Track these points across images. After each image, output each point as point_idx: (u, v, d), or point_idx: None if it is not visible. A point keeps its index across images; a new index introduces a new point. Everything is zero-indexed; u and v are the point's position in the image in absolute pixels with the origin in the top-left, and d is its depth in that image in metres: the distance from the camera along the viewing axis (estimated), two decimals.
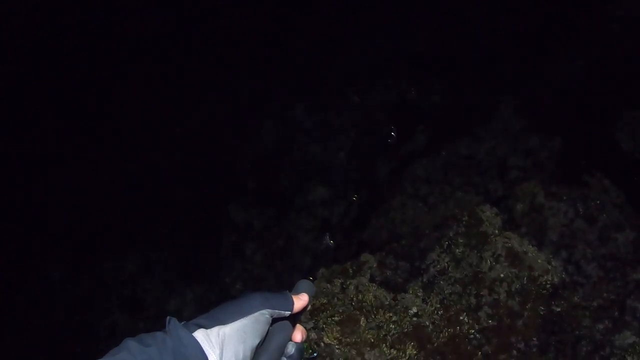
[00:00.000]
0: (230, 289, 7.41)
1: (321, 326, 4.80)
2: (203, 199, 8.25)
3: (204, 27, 9.14)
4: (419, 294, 5.21)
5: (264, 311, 1.49)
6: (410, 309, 5.06)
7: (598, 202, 5.53)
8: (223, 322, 1.43)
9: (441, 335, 4.90)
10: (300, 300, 1.61)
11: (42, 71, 8.92)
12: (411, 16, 8.35)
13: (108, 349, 1.30)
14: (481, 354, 4.81)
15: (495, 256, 5.11)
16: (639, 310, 4.95)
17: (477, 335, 4.87)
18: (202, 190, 8.32)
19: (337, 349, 4.74)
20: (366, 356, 4.76)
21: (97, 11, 9.02)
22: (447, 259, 5.30)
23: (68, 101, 8.79)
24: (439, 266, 5.31)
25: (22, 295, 8.14)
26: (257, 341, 1.46)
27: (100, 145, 8.78)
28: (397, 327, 4.95)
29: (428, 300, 5.12)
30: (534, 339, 4.85)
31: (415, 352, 4.82)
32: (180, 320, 1.43)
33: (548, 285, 5.01)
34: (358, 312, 5.02)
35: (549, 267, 5.09)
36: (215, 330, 1.41)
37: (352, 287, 5.21)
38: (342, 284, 5.27)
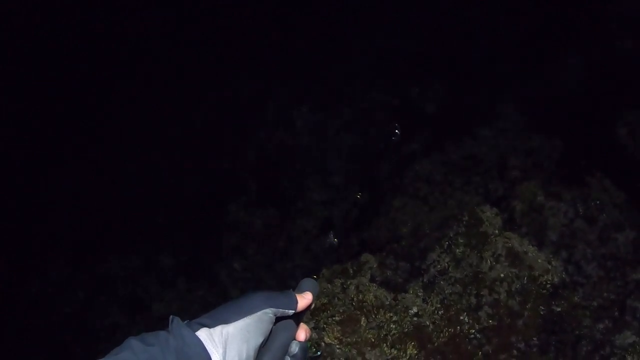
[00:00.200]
0: (231, 290, 7.41)
1: (322, 326, 4.81)
2: (203, 199, 8.25)
3: (204, 27, 9.13)
4: (420, 293, 5.21)
5: (267, 310, 1.48)
6: (411, 309, 5.07)
7: (598, 202, 5.54)
8: (226, 321, 1.42)
9: (442, 335, 4.90)
10: (304, 299, 1.61)
11: (42, 71, 8.91)
12: (411, 16, 8.35)
13: (108, 349, 1.30)
14: (481, 353, 4.82)
15: (495, 256, 5.11)
16: (639, 310, 4.96)
17: (478, 335, 4.88)
18: (202, 191, 8.32)
19: (338, 348, 4.75)
20: (367, 356, 4.76)
21: (97, 11, 9.01)
22: (447, 259, 5.30)
23: (68, 101, 8.78)
24: (439, 266, 5.32)
25: (22, 295, 8.13)
26: (260, 340, 1.46)
27: (100, 145, 8.77)
28: (398, 327, 4.95)
29: (428, 300, 5.12)
30: (534, 338, 4.86)
31: (415, 351, 4.83)
32: (182, 319, 1.43)
33: (548, 285, 5.02)
34: (359, 312, 5.02)
35: (549, 267, 5.09)
36: (218, 329, 1.40)
37: (352, 287, 5.21)
38: (342, 284, 5.27)
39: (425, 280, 5.33)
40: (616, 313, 5.00)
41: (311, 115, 8.45)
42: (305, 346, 1.60)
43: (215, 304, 1.48)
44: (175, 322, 1.40)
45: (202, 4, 9.13)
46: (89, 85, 8.87)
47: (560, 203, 5.58)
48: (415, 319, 5.01)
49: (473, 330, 4.89)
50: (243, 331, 1.41)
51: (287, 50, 8.90)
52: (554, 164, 6.56)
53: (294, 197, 7.91)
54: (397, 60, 8.36)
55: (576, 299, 5.04)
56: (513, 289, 4.99)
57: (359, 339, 4.85)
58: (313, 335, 4.62)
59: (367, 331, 4.91)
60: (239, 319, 1.43)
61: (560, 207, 5.55)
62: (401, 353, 4.81)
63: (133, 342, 1.33)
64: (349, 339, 4.84)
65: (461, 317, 4.95)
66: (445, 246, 5.40)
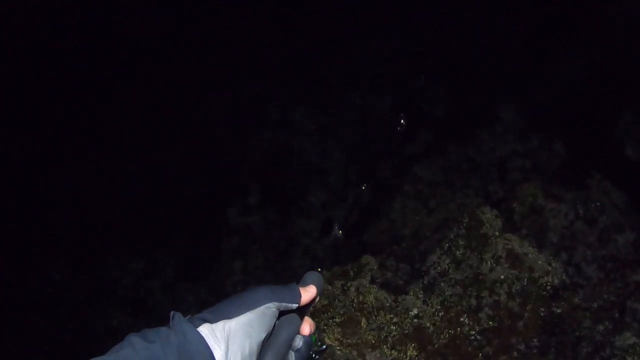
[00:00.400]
0: (231, 291, 7.40)
1: (322, 327, 4.81)
2: (203, 200, 8.25)
3: (204, 27, 9.12)
4: (420, 295, 5.22)
5: (270, 304, 1.45)
6: (411, 311, 5.08)
7: (598, 203, 5.55)
8: (228, 316, 1.39)
9: (442, 336, 4.91)
10: (308, 293, 1.58)
11: (42, 71, 8.90)
12: (411, 16, 8.34)
13: (108, 349, 1.28)
14: (482, 355, 4.83)
15: (495, 258, 5.12)
16: (639, 312, 4.97)
17: (478, 336, 4.89)
18: (202, 191, 8.31)
19: (338, 350, 4.76)
20: (367, 357, 4.77)
21: (97, 11, 9.00)
22: (447, 261, 5.31)
23: (68, 101, 8.77)
24: (439, 268, 5.33)
25: (22, 295, 8.13)
26: (263, 335, 1.43)
27: (100, 145, 8.77)
28: (398, 329, 4.96)
29: (429, 302, 5.13)
30: (535, 340, 4.86)
31: (416, 353, 4.84)
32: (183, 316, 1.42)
33: (548, 287, 5.03)
34: (359, 314, 5.03)
35: (550, 268, 5.10)
36: (220, 324, 1.37)
37: (353, 288, 5.22)
38: (343, 285, 5.28)
39: (425, 281, 5.34)
40: (616, 314, 5.00)
41: (311, 116, 8.45)
42: (310, 340, 1.57)
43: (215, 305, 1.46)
44: (177, 317, 1.37)
45: (202, 4, 9.12)
46: (89, 85, 8.86)
47: (561, 205, 5.59)
48: (415, 320, 5.02)
49: (473, 332, 4.90)
50: (246, 326, 1.39)
51: (287, 50, 8.89)
52: (554, 166, 6.57)
53: (294, 198, 7.91)
54: (397, 60, 8.36)
55: (576, 300, 5.05)
56: (513, 291, 5.00)
57: (360, 341, 4.86)
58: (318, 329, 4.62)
59: (368, 332, 4.92)
60: (242, 314, 1.40)
61: (561, 208, 5.56)
62: (401, 354, 4.82)
63: (133, 339, 1.30)
64: (349, 341, 4.84)
65: (461, 319, 4.96)
66: (446, 248, 5.41)
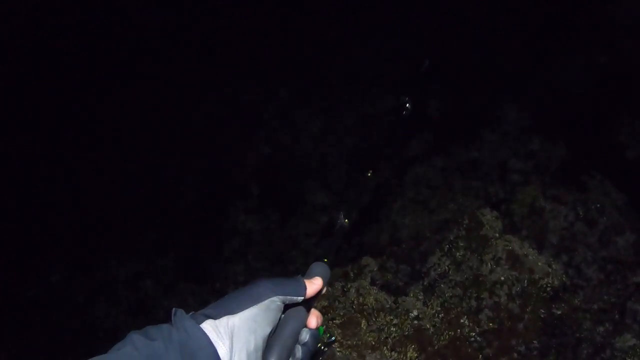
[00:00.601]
0: (231, 292, 7.38)
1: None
2: (203, 201, 8.25)
3: (204, 27, 9.12)
4: (420, 297, 5.22)
5: (274, 298, 1.44)
6: (411, 312, 5.08)
7: (598, 204, 5.54)
8: (232, 311, 1.38)
9: (442, 338, 4.91)
10: (314, 285, 1.56)
11: (42, 71, 8.90)
12: (411, 16, 8.33)
13: (109, 349, 1.28)
14: (482, 356, 4.83)
15: (495, 259, 5.12)
16: (639, 313, 4.96)
17: (478, 338, 4.88)
18: (202, 192, 8.31)
19: (338, 351, 4.76)
20: (367, 358, 4.77)
21: (97, 11, 8.99)
22: (447, 262, 5.31)
23: (68, 101, 8.77)
24: (439, 269, 5.32)
25: (22, 296, 8.13)
26: (268, 330, 1.42)
27: (100, 145, 8.77)
28: (398, 330, 4.96)
29: (429, 303, 5.13)
30: (535, 341, 4.86)
31: (416, 354, 4.83)
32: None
33: (548, 288, 5.02)
34: (359, 315, 5.03)
35: (550, 270, 5.10)
36: (224, 320, 1.36)
37: (353, 290, 5.22)
38: (343, 287, 5.28)
39: (425, 283, 5.33)
40: (616, 316, 5.00)
41: (311, 117, 8.45)
42: (316, 334, 1.56)
43: None
44: (179, 314, 1.37)
45: (202, 4, 9.12)
46: (89, 85, 8.85)
47: (561, 206, 5.59)
48: (415, 322, 5.02)
49: (473, 333, 4.90)
50: (250, 321, 1.38)
51: (287, 50, 8.89)
52: (554, 167, 6.56)
53: (294, 199, 7.91)
54: (397, 60, 8.35)
55: (576, 301, 5.04)
56: (513, 292, 4.99)
57: (360, 342, 4.86)
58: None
59: (368, 334, 4.92)
60: (246, 309, 1.39)
61: (561, 210, 5.55)
62: (401, 356, 4.82)
63: (135, 337, 1.30)
64: (349, 342, 4.84)
65: (461, 320, 4.96)
66: (446, 249, 5.41)
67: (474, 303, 5.00)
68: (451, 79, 7.93)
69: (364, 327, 4.93)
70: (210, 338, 1.32)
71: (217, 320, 1.36)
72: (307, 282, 1.55)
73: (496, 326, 4.89)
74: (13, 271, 8.25)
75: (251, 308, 1.39)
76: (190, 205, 8.24)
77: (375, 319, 5.01)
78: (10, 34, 8.85)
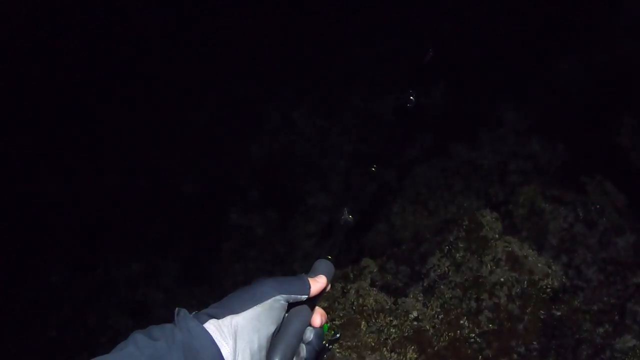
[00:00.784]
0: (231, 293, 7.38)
1: None
2: (203, 201, 8.25)
3: (204, 27, 9.12)
4: (420, 298, 5.21)
5: (278, 297, 1.43)
6: (411, 313, 5.07)
7: (598, 206, 5.53)
8: (235, 311, 1.37)
9: (442, 339, 4.90)
10: (318, 283, 1.55)
11: (42, 71, 8.90)
12: (411, 16, 8.33)
13: (108, 351, 1.26)
14: (482, 357, 4.82)
15: (495, 260, 5.11)
16: (639, 314, 4.96)
17: (478, 339, 4.88)
18: (202, 192, 8.31)
19: (338, 352, 4.75)
20: None
21: (97, 11, 8.99)
22: (447, 263, 5.30)
23: (68, 101, 8.77)
24: (439, 270, 5.31)
25: (22, 296, 8.13)
26: (272, 329, 1.41)
27: (100, 145, 8.77)
28: (398, 331, 4.95)
29: (428, 304, 5.12)
30: (535, 342, 4.85)
31: (415, 355, 4.83)
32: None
33: (548, 289, 5.01)
34: (359, 316, 5.02)
35: (549, 271, 5.09)
36: (227, 320, 1.35)
37: (352, 291, 5.22)
38: (342, 288, 5.28)
39: (425, 284, 5.32)
40: (616, 317, 4.99)
41: (311, 117, 8.45)
42: (321, 332, 1.55)
43: None
44: (182, 314, 1.36)
45: (202, 4, 9.12)
46: (89, 85, 8.86)
47: (561, 207, 5.58)
48: (415, 323, 5.01)
49: (473, 335, 4.89)
50: (253, 321, 1.36)
51: (287, 50, 8.89)
52: (554, 168, 6.56)
53: (294, 200, 7.90)
54: (397, 60, 8.35)
55: (576, 303, 5.03)
56: (513, 293, 4.99)
57: (359, 343, 4.85)
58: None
59: (367, 335, 4.91)
60: (249, 308, 1.38)
61: (561, 211, 5.54)
62: (401, 357, 4.81)
63: (138, 337, 1.29)
64: (349, 343, 4.84)
65: (461, 321, 4.95)
66: (446, 250, 5.39)
67: (473, 304, 4.99)
68: (451, 79, 7.93)
69: (364, 328, 4.93)
70: (214, 338, 1.32)
71: (220, 320, 1.35)
72: (311, 281, 1.55)
73: (496, 327, 4.88)
74: (13, 271, 8.24)
75: (255, 307, 1.39)
76: (190, 205, 8.24)
77: (375, 320, 5.00)
78: (10, 34, 8.85)
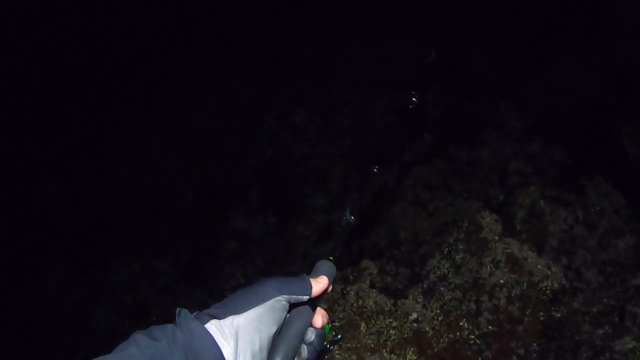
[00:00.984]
0: (230, 294, 7.37)
1: None
2: (203, 202, 8.25)
3: (204, 27, 9.12)
4: (419, 299, 5.22)
5: (279, 297, 1.42)
6: (411, 315, 5.08)
7: (598, 207, 5.54)
8: (237, 311, 1.36)
9: (441, 340, 4.91)
10: (319, 284, 1.54)
11: (42, 71, 8.89)
12: (411, 16, 8.32)
13: (108, 352, 1.26)
14: (481, 359, 4.83)
15: (495, 262, 5.12)
16: (638, 316, 4.96)
17: (477, 340, 4.88)
18: (202, 193, 8.32)
19: (338, 354, 4.76)
20: None
21: (97, 11, 8.98)
22: (447, 265, 5.31)
23: (68, 101, 8.76)
24: (439, 272, 5.32)
25: (22, 296, 8.13)
26: (273, 330, 1.41)
27: (100, 145, 8.77)
28: (398, 333, 4.96)
29: (428, 306, 5.13)
30: (534, 344, 4.86)
31: (415, 357, 4.84)
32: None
33: (548, 291, 5.02)
34: (358, 318, 5.03)
35: (549, 272, 5.10)
36: (228, 320, 1.35)
37: (352, 292, 5.22)
38: (342, 289, 5.28)
39: (425, 286, 5.33)
40: (616, 319, 5.00)
41: (311, 118, 8.44)
42: (322, 333, 1.54)
43: None
44: (183, 314, 1.36)
45: (202, 4, 9.11)
46: (89, 86, 8.85)
47: (560, 209, 5.59)
48: (415, 324, 5.02)
49: (473, 336, 4.90)
50: (255, 321, 1.36)
51: (287, 50, 8.88)
52: (553, 169, 6.55)
53: (293, 201, 7.90)
54: (397, 61, 8.34)
55: (576, 304, 5.04)
56: (513, 295, 4.99)
57: (359, 345, 4.86)
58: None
59: (367, 337, 4.92)
60: (251, 309, 1.37)
61: (560, 212, 5.55)
62: (401, 358, 4.82)
63: (139, 337, 1.29)
64: (348, 345, 4.84)
65: (461, 323, 4.96)
66: (445, 252, 5.41)
67: (473, 306, 5.00)
68: (451, 80, 7.93)
69: (363, 330, 4.93)
70: (215, 338, 1.31)
71: (221, 320, 1.35)
72: (313, 281, 1.54)
73: (495, 329, 4.89)
74: (13, 272, 8.24)
75: (256, 308, 1.38)
76: (190, 205, 8.25)
77: (375, 322, 5.01)
78: (10, 34, 8.84)
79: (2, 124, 8.53)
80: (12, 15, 8.87)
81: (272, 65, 8.84)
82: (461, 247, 5.32)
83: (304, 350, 1.51)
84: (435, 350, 4.87)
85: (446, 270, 5.28)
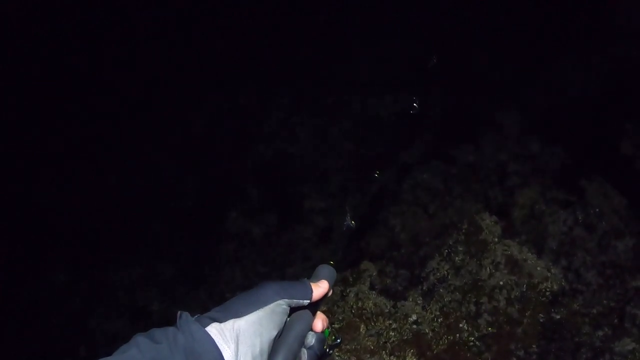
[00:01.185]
0: (229, 296, 7.35)
1: None
2: (203, 202, 8.24)
3: (204, 27, 9.12)
4: (419, 301, 5.22)
5: (280, 301, 1.43)
6: (410, 317, 5.08)
7: (597, 209, 5.54)
8: (238, 314, 1.37)
9: (441, 342, 4.91)
10: (320, 288, 1.55)
11: (42, 71, 8.89)
12: (411, 16, 8.32)
13: (108, 353, 1.26)
14: None
15: (494, 264, 5.12)
16: (638, 317, 4.96)
17: (477, 342, 4.88)
18: (202, 194, 8.31)
19: (337, 356, 4.76)
20: None
21: (97, 11, 8.98)
22: (446, 267, 5.31)
23: (68, 101, 8.77)
24: (438, 274, 5.32)
25: (22, 297, 8.14)
26: (274, 333, 1.40)
27: (100, 145, 8.77)
28: (397, 334, 4.96)
29: (428, 308, 5.13)
30: (534, 346, 4.86)
31: (415, 359, 4.84)
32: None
33: (547, 293, 5.02)
34: (358, 320, 5.03)
35: (549, 274, 5.10)
36: (229, 323, 1.35)
37: (352, 294, 5.23)
38: (342, 291, 5.29)
39: (424, 288, 5.33)
40: (616, 320, 5.00)
41: (311, 119, 8.44)
42: (322, 337, 1.54)
43: None
44: (184, 317, 1.36)
45: (202, 4, 9.11)
46: (89, 86, 8.85)
47: (560, 210, 5.59)
48: (414, 326, 5.02)
49: (472, 338, 4.90)
50: (255, 325, 1.36)
51: (287, 50, 8.88)
52: (553, 171, 6.54)
53: (293, 202, 7.90)
54: (396, 61, 8.34)
55: (576, 306, 5.04)
56: (512, 297, 4.99)
57: (358, 346, 4.86)
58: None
59: (367, 338, 4.92)
60: (251, 312, 1.38)
61: (560, 214, 5.56)
62: None
63: (140, 340, 1.29)
64: (348, 346, 4.85)
65: (460, 325, 4.96)
66: (445, 254, 5.41)
67: (473, 307, 5.00)
68: (451, 81, 7.92)
69: (363, 332, 4.94)
70: (216, 341, 1.31)
71: (222, 324, 1.35)
72: (314, 286, 1.54)
73: (495, 330, 4.89)
74: (13, 271, 8.24)
75: (257, 311, 1.38)
76: (190, 207, 8.24)
77: (374, 324, 5.01)
78: (10, 34, 8.84)
79: (2, 124, 8.53)
80: (12, 15, 8.88)
81: (272, 65, 8.83)
82: (461, 248, 5.32)
83: (304, 354, 1.51)
84: (435, 351, 4.87)
85: (446, 272, 5.28)
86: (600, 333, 4.94)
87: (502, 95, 7.49)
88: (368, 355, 4.80)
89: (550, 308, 5.00)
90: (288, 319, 1.48)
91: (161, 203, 8.28)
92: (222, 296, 7.42)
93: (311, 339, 1.52)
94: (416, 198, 6.78)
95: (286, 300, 1.45)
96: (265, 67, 8.85)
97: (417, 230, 6.29)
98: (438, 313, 5.06)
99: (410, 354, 4.83)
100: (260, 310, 1.39)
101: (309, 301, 1.50)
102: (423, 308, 5.15)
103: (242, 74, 8.81)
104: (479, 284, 5.07)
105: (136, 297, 7.82)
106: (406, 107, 7.87)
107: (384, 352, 4.85)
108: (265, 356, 1.38)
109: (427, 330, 4.97)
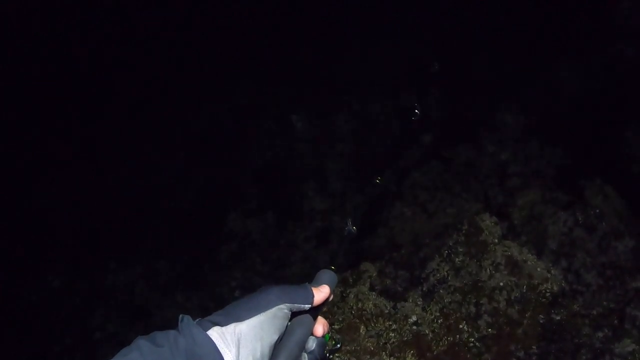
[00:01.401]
0: (229, 297, 7.38)
1: None
2: (203, 203, 8.24)
3: (204, 27, 9.11)
4: (419, 302, 5.21)
5: (282, 306, 1.44)
6: (410, 318, 5.07)
7: (597, 210, 5.52)
8: (239, 318, 1.38)
9: (441, 343, 4.91)
10: (321, 293, 1.56)
11: (42, 71, 8.89)
12: (411, 16, 8.31)
13: (108, 354, 1.27)
14: None
15: (494, 265, 5.11)
16: (638, 319, 4.96)
17: (477, 343, 4.88)
18: (202, 195, 8.31)
19: (337, 357, 4.76)
20: None
21: (97, 11, 8.98)
22: (446, 268, 5.30)
23: (68, 101, 8.76)
24: (438, 275, 5.31)
25: (22, 298, 8.13)
26: (275, 338, 1.41)
27: (100, 145, 8.77)
28: (397, 336, 4.95)
29: (428, 309, 5.12)
30: (534, 347, 4.85)
31: None
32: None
33: (548, 294, 5.01)
34: (358, 321, 5.03)
35: (549, 275, 5.09)
36: (231, 327, 1.36)
37: (352, 295, 5.22)
38: (342, 292, 5.28)
39: (424, 288, 5.33)
40: (616, 321, 4.99)
41: (310, 120, 8.44)
42: (323, 342, 1.56)
43: (214, 312, 1.44)
44: (186, 320, 1.37)
45: (202, 4, 9.10)
46: (89, 86, 8.85)
47: (560, 211, 5.58)
48: (414, 327, 5.01)
49: (472, 339, 4.89)
50: (257, 329, 1.37)
51: (286, 51, 8.87)
52: (553, 172, 6.55)
53: (293, 204, 7.90)
54: (396, 62, 8.34)
55: (576, 307, 5.04)
56: (512, 298, 4.99)
57: (358, 347, 4.86)
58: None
59: (367, 339, 4.92)
60: (253, 316, 1.39)
61: (560, 215, 5.54)
62: None
63: (142, 343, 1.30)
64: (348, 348, 4.84)
65: (460, 326, 4.95)
66: (445, 255, 5.40)
67: (473, 309, 5.00)
68: (451, 81, 7.92)
69: (363, 333, 4.93)
70: (217, 345, 1.32)
71: (224, 327, 1.36)
72: (315, 290, 1.55)
73: (495, 332, 4.88)
74: (13, 272, 8.24)
75: (258, 315, 1.39)
76: (190, 207, 8.24)
77: (374, 325, 5.00)
78: (10, 34, 8.84)
79: (2, 124, 8.53)
80: (12, 15, 8.87)
81: (271, 65, 8.83)
82: (461, 249, 5.31)
83: (305, 359, 1.52)
84: (435, 353, 4.87)
85: (446, 273, 5.27)
86: (600, 334, 4.94)
87: (502, 95, 7.49)
88: (368, 356, 4.80)
89: (550, 309, 4.99)
90: (289, 323, 1.49)
91: (161, 203, 8.27)
92: (221, 296, 7.43)
93: (312, 344, 1.53)
94: (416, 198, 6.77)
95: (287, 304, 1.46)
96: (265, 67, 8.84)
97: (417, 230, 6.29)
98: (438, 314, 5.05)
99: (410, 355, 4.83)
100: (261, 315, 1.40)
101: (310, 306, 1.51)
102: (423, 309, 5.14)
103: (242, 74, 8.81)
104: (479, 285, 5.06)
105: (136, 297, 7.82)
106: (406, 107, 7.88)
107: (383, 353, 4.84)
108: None
109: (427, 331, 4.97)
